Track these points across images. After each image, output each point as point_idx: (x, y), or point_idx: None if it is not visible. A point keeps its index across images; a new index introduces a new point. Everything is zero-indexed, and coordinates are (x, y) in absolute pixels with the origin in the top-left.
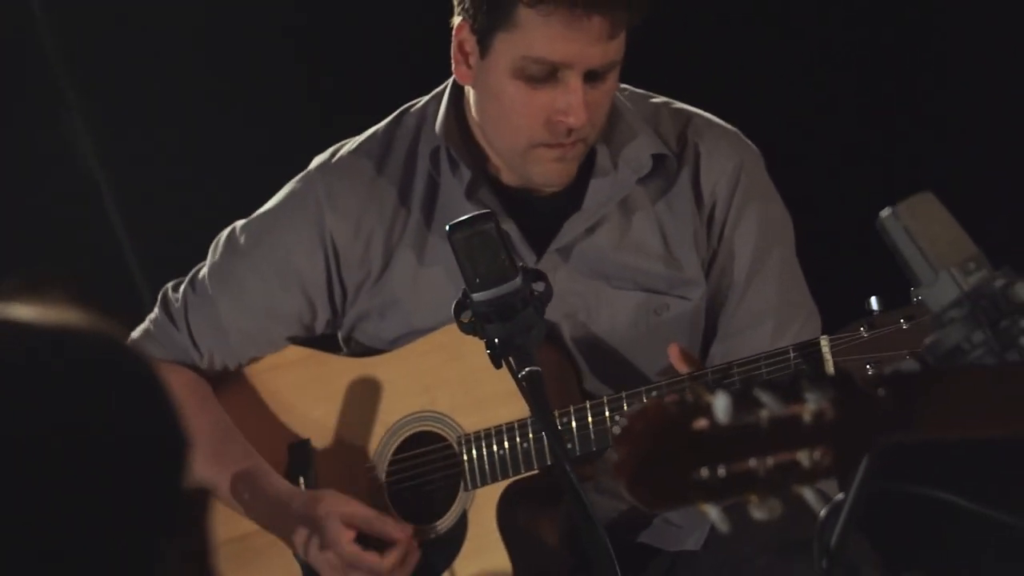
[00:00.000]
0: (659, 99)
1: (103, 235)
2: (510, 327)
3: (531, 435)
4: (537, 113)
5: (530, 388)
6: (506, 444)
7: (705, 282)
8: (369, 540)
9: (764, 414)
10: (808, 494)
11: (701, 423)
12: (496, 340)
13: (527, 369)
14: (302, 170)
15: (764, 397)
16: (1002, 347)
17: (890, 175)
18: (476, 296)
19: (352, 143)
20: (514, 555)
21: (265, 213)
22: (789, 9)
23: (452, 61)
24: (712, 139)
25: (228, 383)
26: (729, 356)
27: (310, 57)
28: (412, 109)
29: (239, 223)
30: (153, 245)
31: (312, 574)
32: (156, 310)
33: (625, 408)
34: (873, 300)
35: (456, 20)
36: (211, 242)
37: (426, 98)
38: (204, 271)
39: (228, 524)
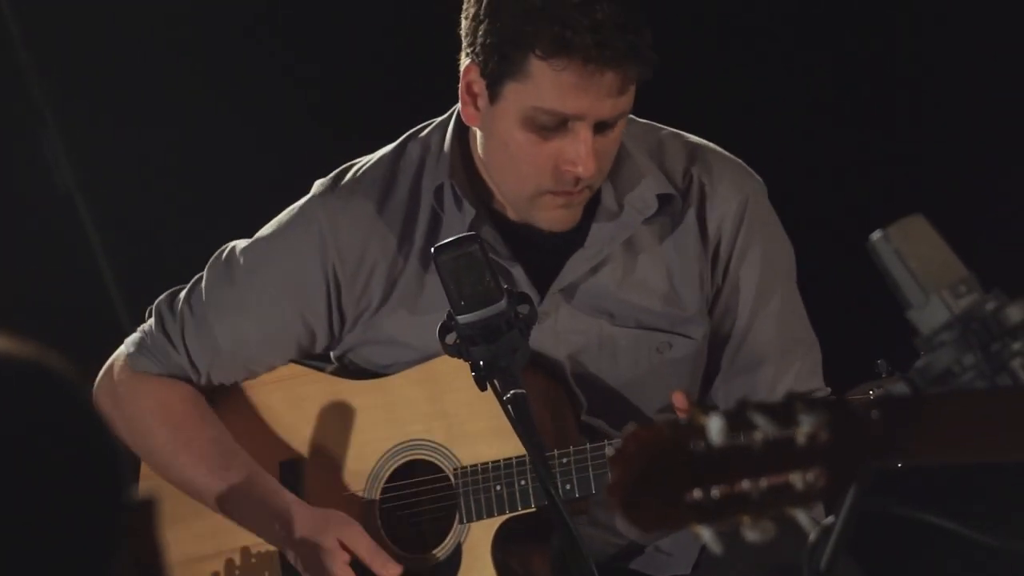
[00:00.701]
0: (665, 130)
1: (77, 246)
2: (495, 349)
3: (528, 473)
4: (545, 162)
5: (515, 410)
6: (503, 481)
7: (708, 319)
8: (363, 567)
9: (758, 436)
10: (801, 516)
11: (695, 444)
12: (481, 362)
13: (512, 392)
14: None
15: (758, 419)
16: (993, 370)
17: (892, 200)
18: (461, 318)
19: (356, 169)
20: None
21: (266, 238)
22: (794, 37)
23: (460, 101)
24: (718, 173)
25: (221, 396)
26: (732, 395)
27: (290, 67)
28: (417, 136)
29: (239, 244)
30: (127, 256)
31: None
32: (151, 325)
33: None
34: (880, 363)
35: (464, 61)
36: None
37: (431, 126)
38: (202, 291)
39: (216, 537)
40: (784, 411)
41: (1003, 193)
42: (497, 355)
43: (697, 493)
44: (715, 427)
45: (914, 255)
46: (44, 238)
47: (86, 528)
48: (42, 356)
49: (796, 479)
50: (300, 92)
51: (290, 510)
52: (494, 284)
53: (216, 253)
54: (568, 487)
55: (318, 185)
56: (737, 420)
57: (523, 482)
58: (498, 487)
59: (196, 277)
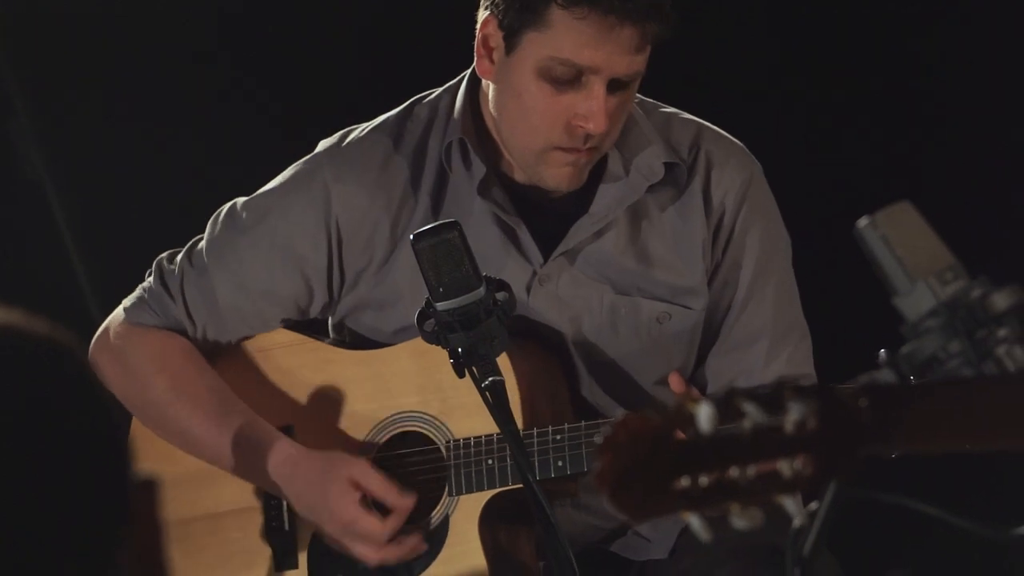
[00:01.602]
0: (669, 109)
1: (49, 238)
2: (473, 337)
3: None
4: (558, 115)
5: (493, 398)
6: (496, 455)
7: (708, 291)
8: (375, 505)
9: (746, 424)
10: (789, 504)
11: (684, 432)
12: (459, 350)
13: (490, 379)
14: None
15: (747, 407)
16: (979, 357)
17: (881, 189)
18: (439, 305)
19: (362, 129)
20: (492, 564)
21: (269, 192)
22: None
23: (475, 54)
24: (724, 150)
25: (216, 361)
26: (723, 371)
27: (262, 55)
28: (425, 100)
29: (240, 199)
30: (97, 244)
31: (284, 554)
32: (151, 279)
33: None
34: (882, 353)
35: (483, 14)
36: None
37: (439, 90)
38: (203, 245)
39: (194, 502)
40: (773, 399)
41: (991, 182)
42: (475, 342)
43: (685, 481)
44: (704, 415)
45: (901, 242)
46: (12, 226)
47: (96, 504)
48: (54, 332)
49: (784, 467)
50: (271, 81)
51: (293, 454)
52: (472, 271)
53: (218, 210)
54: (560, 464)
55: (323, 143)
56: (726, 408)
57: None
58: (489, 461)
59: (197, 236)
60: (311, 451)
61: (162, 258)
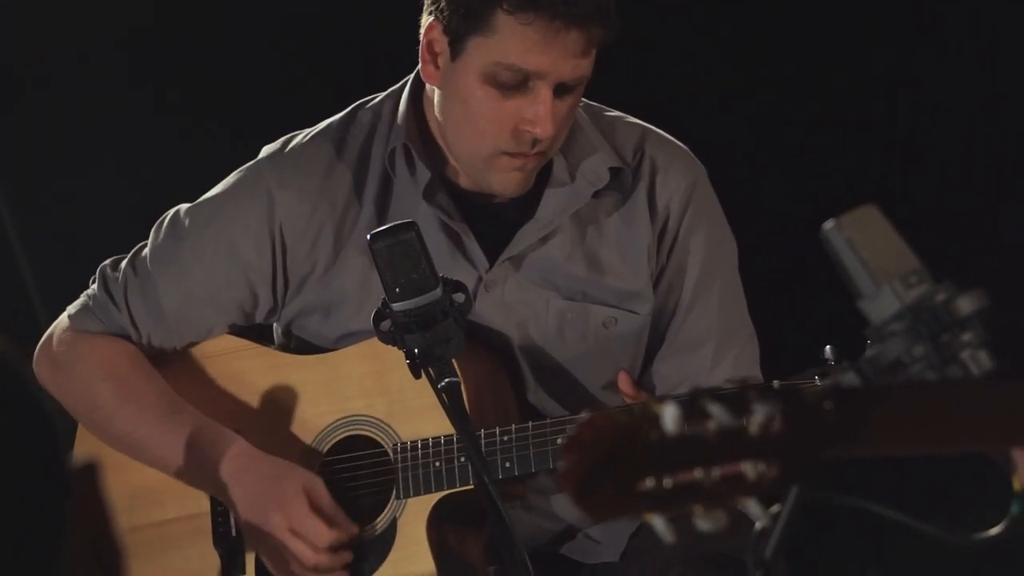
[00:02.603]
0: (614, 113)
1: None
2: (430, 337)
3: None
4: (505, 120)
5: (449, 399)
6: (443, 457)
7: (654, 296)
8: None
9: (711, 425)
10: (752, 506)
11: (649, 433)
12: (416, 350)
13: (447, 380)
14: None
15: (712, 408)
16: (943, 361)
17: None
18: (396, 306)
19: (304, 135)
20: (440, 567)
21: (212, 198)
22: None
23: (420, 60)
24: (668, 154)
25: (162, 368)
26: (670, 375)
27: (216, 49)
28: (368, 105)
29: (184, 206)
30: (46, 252)
31: (231, 561)
32: (94, 286)
33: (568, 432)
34: (828, 349)
35: (427, 19)
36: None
37: (381, 95)
38: (146, 251)
39: (141, 510)
40: (738, 400)
41: (954, 184)
42: (432, 343)
43: (650, 482)
44: (669, 416)
45: (866, 245)
46: None
47: (33, 498)
48: None
49: (749, 469)
50: (215, 84)
51: (249, 451)
52: (429, 272)
53: (161, 216)
54: (508, 465)
55: (266, 149)
56: (692, 409)
57: (463, 459)
58: (437, 463)
59: (141, 243)
60: (265, 454)
61: (105, 265)
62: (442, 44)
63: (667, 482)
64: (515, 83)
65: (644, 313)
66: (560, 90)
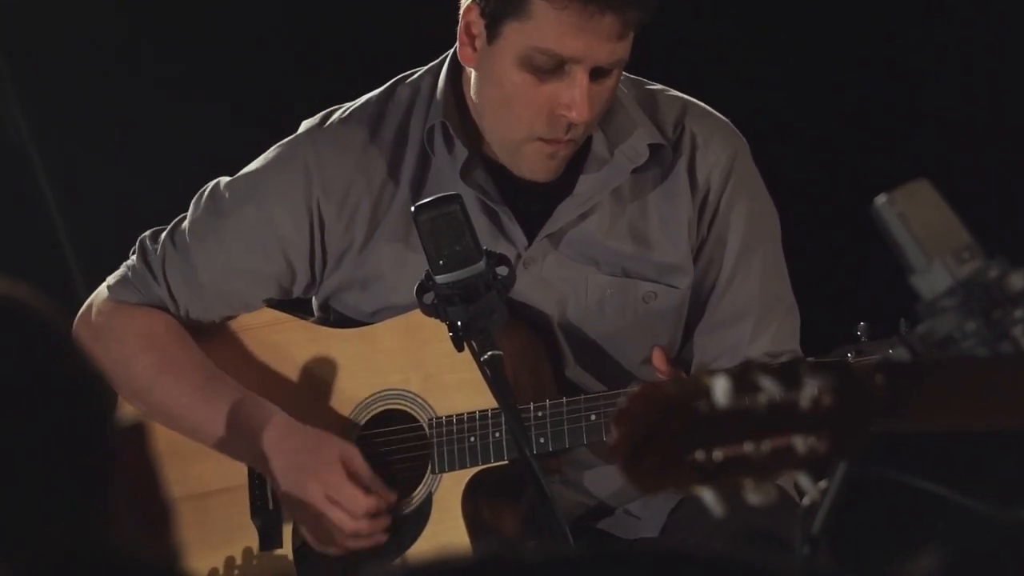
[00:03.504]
0: (655, 86)
1: (36, 215)
2: (473, 310)
3: (503, 426)
4: (540, 105)
5: (492, 372)
6: (478, 433)
7: (693, 269)
8: None
9: (762, 398)
10: (802, 480)
11: (700, 405)
12: (459, 323)
13: (489, 353)
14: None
15: (763, 381)
16: (994, 337)
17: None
18: (439, 278)
19: (344, 110)
20: (475, 541)
21: (251, 173)
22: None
23: (457, 41)
24: (708, 128)
25: (200, 340)
26: (709, 348)
27: (252, 27)
28: (407, 81)
29: (223, 179)
30: (82, 213)
31: (268, 533)
32: (134, 258)
33: (603, 408)
34: (862, 326)
35: (465, 1)
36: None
37: (421, 71)
38: (185, 224)
39: (180, 482)
40: (789, 373)
41: (996, 163)
42: (475, 316)
43: (700, 454)
44: (720, 388)
45: (918, 220)
46: (2, 206)
47: (75, 457)
48: (13, 290)
49: (798, 442)
50: (260, 52)
51: (289, 422)
52: (473, 245)
53: (201, 189)
54: (542, 440)
55: (305, 124)
56: (743, 381)
57: (497, 434)
58: (472, 438)
59: (181, 215)
60: (301, 424)
61: (145, 237)
62: (479, 27)
63: (717, 454)
64: (551, 67)
65: (684, 287)
66: (596, 74)
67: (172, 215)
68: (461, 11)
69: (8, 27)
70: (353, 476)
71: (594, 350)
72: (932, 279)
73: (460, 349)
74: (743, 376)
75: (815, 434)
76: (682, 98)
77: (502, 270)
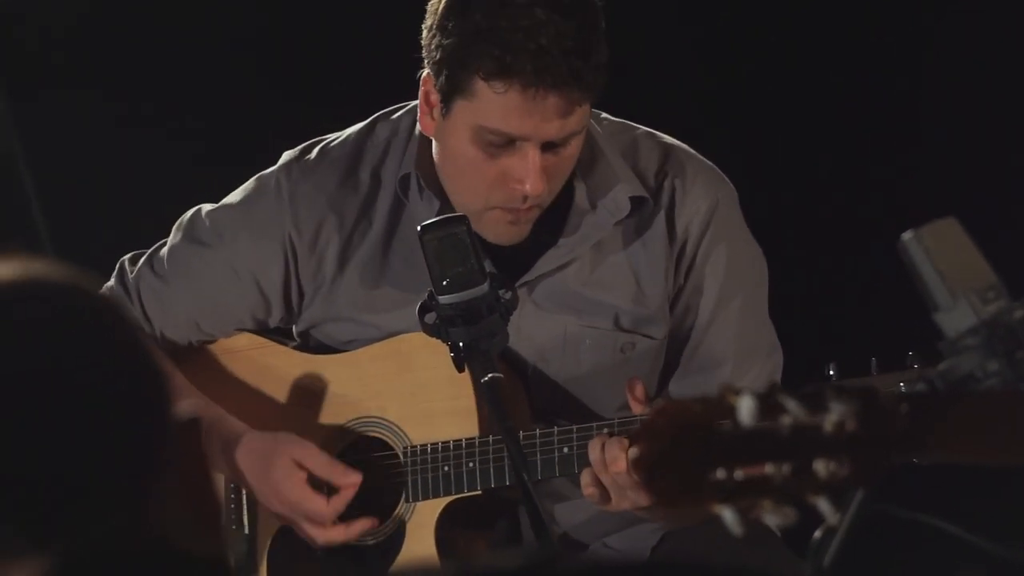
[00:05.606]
0: (640, 130)
1: (16, 209)
2: (474, 332)
3: (477, 456)
4: (494, 179)
5: (490, 394)
6: (452, 462)
7: (669, 318)
8: (320, 485)
9: (786, 420)
10: (823, 504)
11: (723, 424)
12: (460, 344)
13: (490, 375)
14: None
15: (788, 403)
16: (1016, 377)
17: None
18: (442, 298)
19: (324, 143)
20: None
21: (229, 206)
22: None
23: (419, 110)
24: (691, 176)
25: (176, 362)
26: (685, 394)
27: (244, 35)
28: (389, 118)
29: (205, 207)
30: (67, 222)
31: (244, 561)
32: (112, 280)
33: (575, 442)
34: (831, 366)
35: (424, 71)
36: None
37: (403, 109)
38: (164, 251)
39: None
40: (815, 397)
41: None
42: (476, 338)
43: (721, 473)
44: (746, 408)
45: (944, 257)
46: None
47: (133, 445)
48: (80, 278)
49: (820, 467)
50: (250, 58)
51: (241, 435)
52: (478, 267)
53: (183, 215)
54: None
55: (285, 156)
56: (768, 403)
57: (471, 464)
58: (446, 468)
59: (161, 241)
60: (258, 432)
61: (124, 260)
62: (436, 98)
63: (738, 474)
64: (501, 143)
65: (660, 337)
66: (550, 146)
67: (154, 232)
68: (421, 78)
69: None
70: (312, 480)
71: (568, 396)
72: (956, 317)
73: (461, 370)
74: (769, 397)
75: (837, 459)
76: (665, 144)
77: (506, 294)
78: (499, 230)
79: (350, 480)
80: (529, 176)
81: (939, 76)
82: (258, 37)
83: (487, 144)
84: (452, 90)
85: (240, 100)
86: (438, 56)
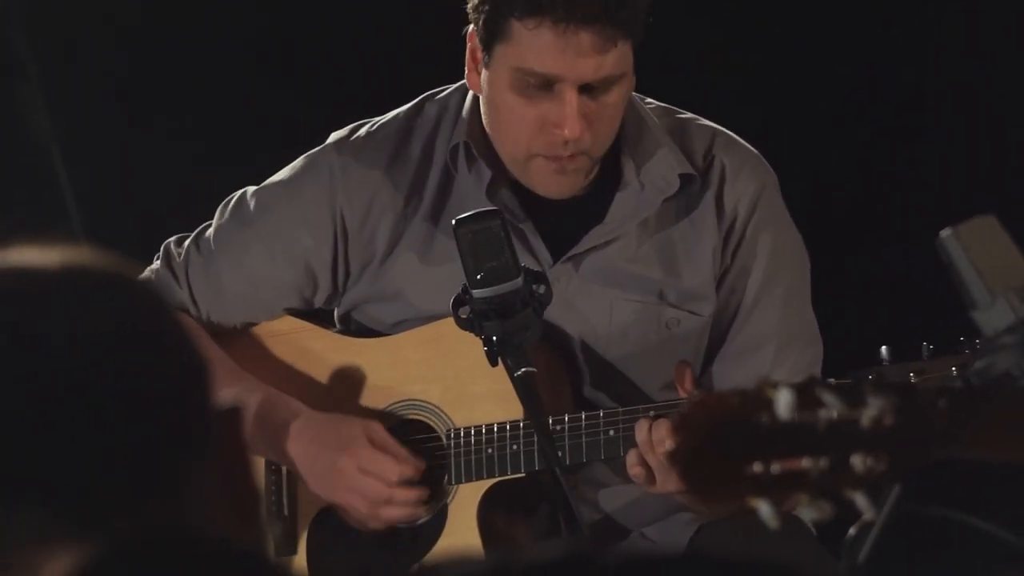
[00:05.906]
0: (685, 115)
1: (55, 212)
2: (508, 326)
3: (521, 438)
4: (532, 124)
5: (524, 389)
6: (495, 445)
7: (716, 297)
8: None
9: (824, 414)
10: (859, 499)
11: (761, 417)
12: (494, 338)
13: (523, 370)
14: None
15: (827, 397)
16: None
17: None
18: (476, 293)
19: (372, 124)
20: (490, 553)
21: (277, 183)
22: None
23: (466, 68)
24: (738, 159)
25: (220, 344)
26: (728, 376)
27: (276, 27)
28: (436, 97)
29: (251, 188)
30: (101, 210)
31: (283, 540)
32: (158, 262)
33: (621, 424)
34: (883, 349)
35: (469, 28)
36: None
37: (450, 88)
38: (210, 232)
39: None
40: (853, 391)
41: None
42: (510, 332)
43: (758, 466)
44: (784, 401)
45: (983, 255)
46: (17, 189)
47: (173, 432)
48: (121, 265)
49: (857, 461)
50: (286, 48)
51: (307, 410)
52: (512, 261)
53: (228, 197)
54: (560, 454)
55: (333, 136)
56: (806, 396)
57: (515, 447)
58: (489, 450)
59: (206, 223)
60: (321, 413)
61: (170, 242)
62: (479, 54)
63: (775, 468)
64: (539, 86)
65: (706, 314)
66: (588, 89)
67: (193, 220)
68: (467, 34)
69: (37, 29)
70: (380, 447)
71: (614, 373)
72: (994, 315)
73: (494, 364)
74: (807, 391)
75: (874, 454)
76: (711, 127)
77: (539, 288)
78: (547, 181)
79: (414, 463)
80: (567, 119)
81: (947, 63)
82: (258, 37)
83: (526, 87)
84: (491, 36)
85: (240, 100)
86: (478, 4)
